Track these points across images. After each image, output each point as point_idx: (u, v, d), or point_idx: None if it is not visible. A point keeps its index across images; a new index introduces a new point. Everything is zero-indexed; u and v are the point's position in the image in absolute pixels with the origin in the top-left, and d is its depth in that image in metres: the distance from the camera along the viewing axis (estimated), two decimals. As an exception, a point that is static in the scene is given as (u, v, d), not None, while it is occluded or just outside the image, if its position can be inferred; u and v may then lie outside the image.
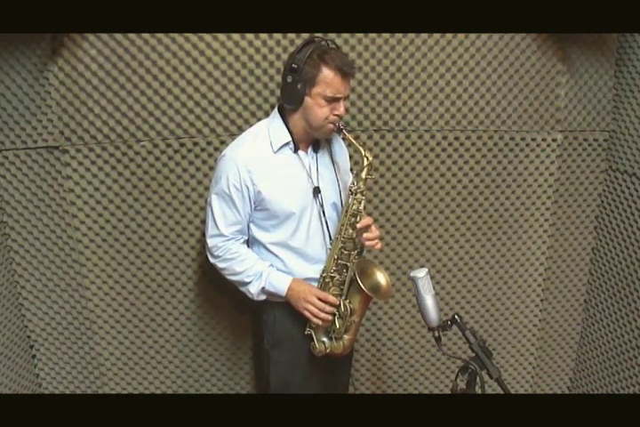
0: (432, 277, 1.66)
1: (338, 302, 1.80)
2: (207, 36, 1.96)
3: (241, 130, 2.06)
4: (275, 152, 1.76)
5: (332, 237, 1.83)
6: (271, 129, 1.77)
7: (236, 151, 1.76)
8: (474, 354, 1.53)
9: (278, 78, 2.02)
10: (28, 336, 2.19)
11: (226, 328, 2.33)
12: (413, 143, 2.18)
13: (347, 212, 1.77)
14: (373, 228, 1.82)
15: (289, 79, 1.68)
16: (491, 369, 1.52)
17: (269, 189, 1.75)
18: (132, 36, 1.91)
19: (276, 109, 1.81)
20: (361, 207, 1.77)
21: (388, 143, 2.16)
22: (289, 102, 1.73)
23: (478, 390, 1.51)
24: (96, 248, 2.13)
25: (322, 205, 1.82)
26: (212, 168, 2.10)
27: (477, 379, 1.51)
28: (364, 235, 1.78)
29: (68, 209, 2.06)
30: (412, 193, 2.25)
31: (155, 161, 2.06)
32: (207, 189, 2.12)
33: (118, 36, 1.91)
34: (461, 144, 2.21)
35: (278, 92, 2.04)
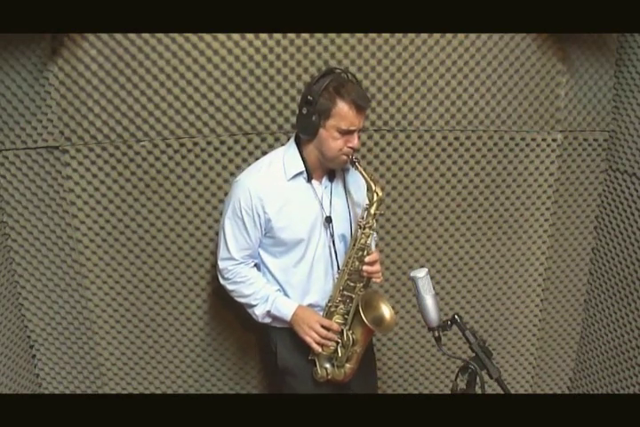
0: (432, 277, 1.65)
1: (340, 330, 1.81)
2: (207, 36, 1.96)
3: (241, 130, 2.06)
4: (288, 181, 1.76)
5: (340, 268, 1.83)
6: (286, 158, 1.78)
7: (249, 178, 1.77)
8: (474, 354, 1.53)
9: (279, 78, 2.02)
10: (28, 336, 2.19)
11: (226, 328, 2.33)
12: (413, 143, 2.18)
13: (354, 245, 1.77)
14: (378, 263, 1.82)
15: (304, 111, 1.68)
16: (491, 369, 1.51)
17: (279, 218, 1.76)
18: (132, 36, 1.91)
19: (292, 138, 1.82)
20: (369, 241, 1.78)
21: (388, 143, 2.16)
22: (304, 133, 1.74)
23: (478, 390, 1.51)
24: (96, 248, 2.13)
25: (332, 235, 1.82)
26: (212, 168, 2.10)
27: (477, 379, 1.51)
28: (365, 267, 1.77)
29: (68, 209, 2.06)
30: (412, 193, 2.25)
31: (155, 161, 2.06)
32: (207, 189, 2.12)
33: (118, 36, 1.91)
34: (461, 144, 2.21)
35: (278, 92, 2.05)
